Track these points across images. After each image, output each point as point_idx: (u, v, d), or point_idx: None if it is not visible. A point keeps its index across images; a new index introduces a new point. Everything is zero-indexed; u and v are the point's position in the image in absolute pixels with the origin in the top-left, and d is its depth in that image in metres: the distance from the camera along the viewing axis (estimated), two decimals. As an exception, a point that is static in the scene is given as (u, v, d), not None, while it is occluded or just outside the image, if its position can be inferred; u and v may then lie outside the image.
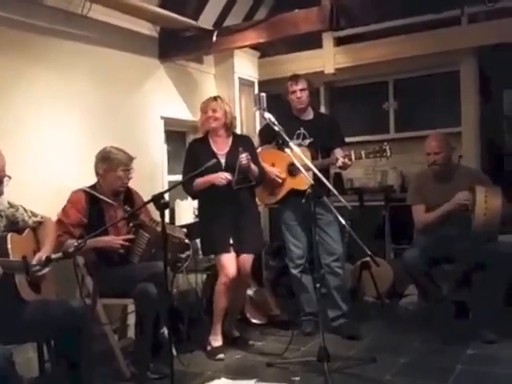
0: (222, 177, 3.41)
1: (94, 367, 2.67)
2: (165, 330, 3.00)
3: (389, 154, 3.58)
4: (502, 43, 4.56)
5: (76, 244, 2.62)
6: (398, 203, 4.78)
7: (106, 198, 3.32)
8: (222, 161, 3.54)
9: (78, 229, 3.20)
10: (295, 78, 3.89)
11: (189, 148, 3.78)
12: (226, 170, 3.48)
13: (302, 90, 3.83)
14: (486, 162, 4.91)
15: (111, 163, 3.30)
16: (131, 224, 3.26)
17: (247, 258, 3.61)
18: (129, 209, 3.30)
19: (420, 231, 3.85)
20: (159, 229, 3.20)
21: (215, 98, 3.65)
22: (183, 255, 3.42)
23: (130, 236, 3.24)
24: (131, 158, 3.38)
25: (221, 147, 3.61)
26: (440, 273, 3.70)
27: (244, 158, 3.41)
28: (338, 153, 3.77)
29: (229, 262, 3.49)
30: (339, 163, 3.63)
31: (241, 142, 3.64)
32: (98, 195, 3.30)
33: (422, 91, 5.32)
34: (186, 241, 3.44)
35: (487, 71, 4.95)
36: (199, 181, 3.46)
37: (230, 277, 3.47)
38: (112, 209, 3.33)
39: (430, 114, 5.27)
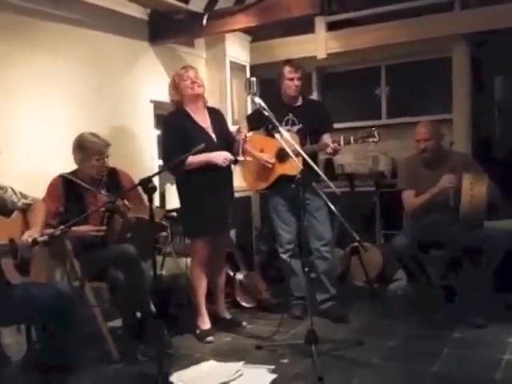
0: (226, 157, 3.36)
1: (83, 349, 2.67)
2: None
3: (377, 138, 3.55)
4: (495, 30, 4.55)
5: (62, 227, 2.63)
6: (389, 189, 4.78)
7: (85, 184, 3.24)
8: (212, 135, 3.49)
9: (55, 219, 3.11)
10: (294, 64, 3.83)
11: (169, 121, 3.58)
12: (218, 145, 3.44)
13: (299, 78, 3.80)
14: (476, 148, 4.93)
15: (85, 152, 3.23)
16: (103, 209, 3.16)
17: (227, 238, 3.73)
18: (106, 193, 3.24)
19: (409, 216, 3.87)
20: (132, 214, 3.19)
21: (192, 67, 3.57)
22: (161, 235, 3.42)
23: (102, 227, 3.17)
24: (107, 145, 3.28)
25: (202, 120, 3.53)
26: (429, 258, 3.73)
27: (244, 136, 3.37)
28: (327, 138, 3.75)
29: (202, 244, 3.51)
30: (329, 149, 3.61)
31: (216, 115, 3.63)
32: (76, 180, 3.23)
33: (414, 77, 5.31)
34: (163, 222, 3.44)
35: (479, 58, 4.95)
36: (194, 160, 3.29)
37: (202, 257, 3.52)
38: (92, 194, 3.26)
39: (421, 101, 5.28)
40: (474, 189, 3.41)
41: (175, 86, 3.53)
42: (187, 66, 3.59)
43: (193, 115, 3.51)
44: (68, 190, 3.21)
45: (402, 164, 4.06)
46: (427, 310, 3.70)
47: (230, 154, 3.39)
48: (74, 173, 3.29)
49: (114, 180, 3.37)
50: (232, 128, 3.56)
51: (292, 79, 3.79)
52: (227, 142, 3.46)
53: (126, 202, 3.20)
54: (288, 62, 3.90)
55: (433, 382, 2.75)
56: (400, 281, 4.38)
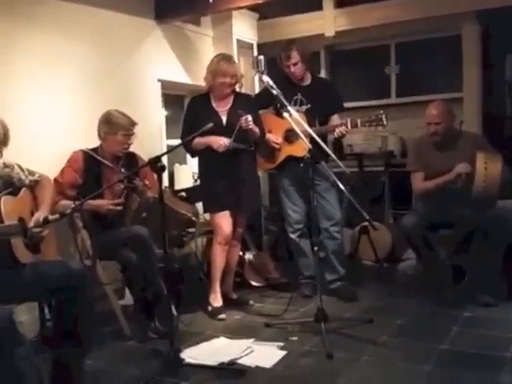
0: (221, 143, 3.39)
1: (95, 327, 2.69)
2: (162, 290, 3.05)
3: (385, 122, 3.53)
4: (505, 6, 4.46)
5: (73, 205, 2.64)
6: (398, 169, 4.77)
7: (105, 161, 3.30)
8: (223, 118, 3.52)
9: (72, 189, 3.22)
10: (287, 50, 3.71)
11: (189, 105, 3.74)
12: (227, 128, 3.45)
13: (295, 64, 3.71)
14: (487, 127, 4.88)
15: (112, 127, 3.28)
16: (122, 186, 3.24)
17: (242, 219, 3.70)
18: (124, 172, 3.28)
19: (418, 197, 3.85)
20: (150, 194, 3.22)
21: (232, 61, 3.55)
22: (189, 231, 3.45)
23: (120, 201, 3.23)
24: (133, 123, 3.34)
25: (222, 104, 3.58)
26: (438, 238, 3.72)
27: (244, 121, 3.37)
28: (335, 120, 3.71)
29: (224, 222, 3.54)
30: (336, 133, 3.59)
31: (242, 101, 3.61)
32: (96, 157, 3.30)
33: (425, 55, 5.22)
34: (193, 218, 3.47)
35: (489, 35, 4.87)
36: (198, 141, 3.41)
37: (225, 236, 3.54)
38: (110, 172, 3.32)
39: (432, 79, 5.20)
40: (488, 168, 3.35)
41: (213, 74, 3.52)
42: (230, 61, 3.55)
43: (213, 100, 3.58)
44: (87, 165, 3.27)
45: (412, 145, 4.01)
46: (436, 288, 3.70)
47: (228, 140, 3.38)
48: (94, 150, 3.35)
49: (131, 162, 3.40)
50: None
51: (288, 66, 3.74)
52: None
53: (147, 182, 3.26)
54: (283, 49, 3.78)
55: (442, 359, 2.76)
56: (409, 260, 4.39)
